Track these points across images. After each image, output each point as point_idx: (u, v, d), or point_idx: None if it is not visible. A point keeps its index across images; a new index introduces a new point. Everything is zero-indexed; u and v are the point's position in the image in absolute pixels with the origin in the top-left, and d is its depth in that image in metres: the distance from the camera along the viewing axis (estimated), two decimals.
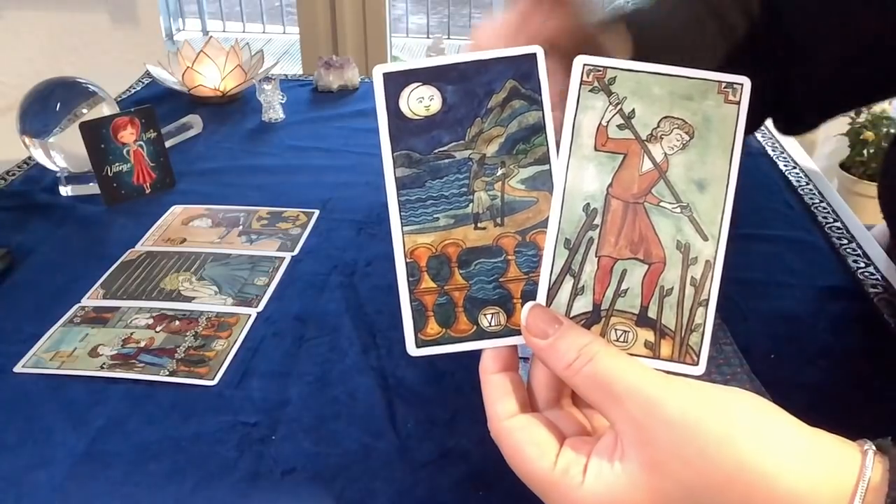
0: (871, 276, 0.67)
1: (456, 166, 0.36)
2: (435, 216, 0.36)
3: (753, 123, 0.69)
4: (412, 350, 0.36)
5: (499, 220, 0.36)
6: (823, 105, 0.65)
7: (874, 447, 0.30)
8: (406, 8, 4.50)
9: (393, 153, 0.36)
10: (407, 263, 0.36)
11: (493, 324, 0.36)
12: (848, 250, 0.71)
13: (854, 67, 0.59)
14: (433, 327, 0.36)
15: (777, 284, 0.67)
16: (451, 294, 0.36)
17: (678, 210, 0.35)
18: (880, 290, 0.65)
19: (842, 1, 0.59)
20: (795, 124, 0.70)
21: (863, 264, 0.69)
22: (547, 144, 0.36)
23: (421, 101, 0.36)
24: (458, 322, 0.36)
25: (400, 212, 0.36)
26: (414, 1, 4.62)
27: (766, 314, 0.62)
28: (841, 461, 0.29)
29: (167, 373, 0.57)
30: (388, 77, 0.36)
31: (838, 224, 0.76)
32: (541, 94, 0.36)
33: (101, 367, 0.57)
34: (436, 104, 0.36)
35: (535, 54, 0.36)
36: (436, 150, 0.36)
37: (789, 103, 0.65)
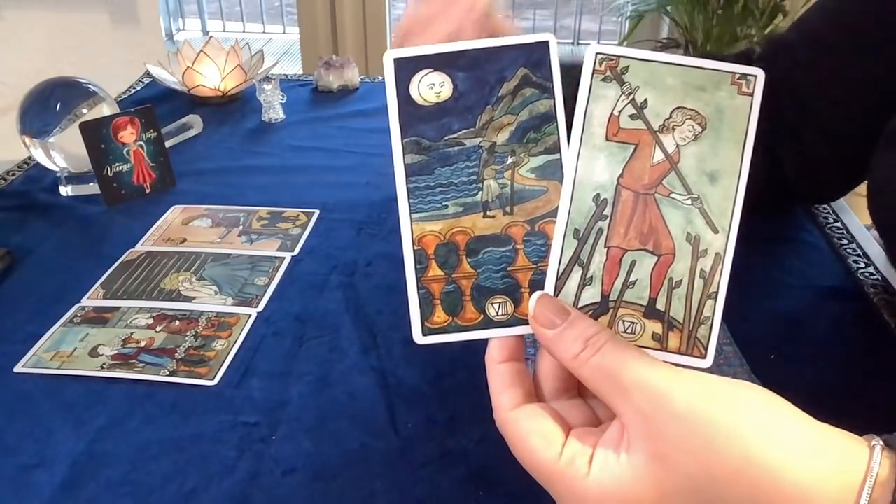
0: (871, 276, 0.67)
1: (466, 154, 0.36)
2: (444, 204, 0.36)
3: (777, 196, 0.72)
4: (418, 338, 0.36)
5: (508, 209, 0.36)
6: (850, 173, 0.67)
7: (882, 442, 0.30)
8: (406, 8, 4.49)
9: (402, 140, 0.36)
10: (415, 251, 0.36)
11: (500, 313, 0.36)
12: (848, 250, 0.71)
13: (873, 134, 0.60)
14: (440, 315, 0.36)
15: (777, 284, 0.67)
16: (459, 282, 0.36)
17: (689, 202, 0.35)
18: (880, 290, 0.65)
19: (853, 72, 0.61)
20: (824, 192, 0.72)
21: (863, 264, 0.69)
22: (558, 133, 0.36)
23: (431, 88, 0.36)
24: (466, 311, 0.36)
25: (408, 199, 0.36)
26: (414, 1, 4.62)
27: (766, 314, 0.62)
28: (848, 456, 0.29)
29: (167, 373, 0.57)
30: (398, 63, 0.36)
31: (838, 224, 0.76)
32: (552, 83, 0.36)
33: (101, 367, 0.57)
34: (446, 91, 0.36)
35: (547, 42, 0.35)
36: (446, 138, 0.36)
37: (816, 174, 0.67)
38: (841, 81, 0.64)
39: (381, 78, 1.28)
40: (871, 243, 0.73)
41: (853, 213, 0.79)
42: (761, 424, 0.30)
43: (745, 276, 0.65)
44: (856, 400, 0.53)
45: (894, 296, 0.64)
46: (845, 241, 0.73)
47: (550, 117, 0.36)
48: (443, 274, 0.36)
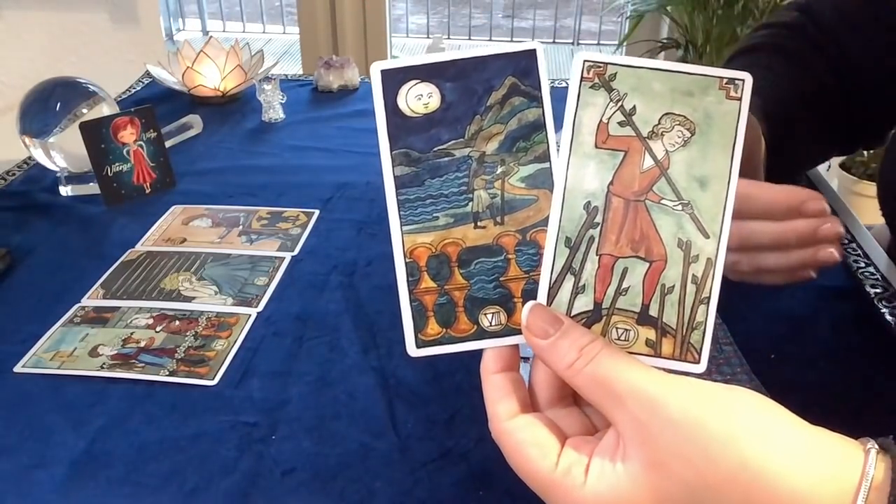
0: (871, 276, 0.67)
1: (455, 165, 0.36)
2: (434, 215, 0.36)
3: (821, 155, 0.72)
4: (412, 351, 0.36)
5: (499, 219, 0.36)
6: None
7: (877, 446, 0.30)
8: (406, 8, 4.50)
9: (391, 151, 0.36)
10: (406, 263, 0.36)
11: (493, 323, 0.36)
12: (848, 250, 0.71)
13: None
14: (433, 327, 0.36)
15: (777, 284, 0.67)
16: (452, 294, 0.36)
17: (679, 208, 0.35)
18: (880, 290, 0.65)
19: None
20: (860, 143, 0.73)
21: (863, 264, 0.69)
22: (547, 142, 0.36)
23: (419, 99, 0.36)
24: (459, 322, 0.36)
25: (399, 211, 0.36)
26: (414, 1, 4.62)
27: (766, 314, 0.62)
28: (843, 460, 0.29)
29: (167, 373, 0.57)
30: (386, 74, 0.35)
31: None
32: (540, 91, 0.35)
33: (101, 367, 0.57)
34: (434, 101, 0.36)
35: (534, 50, 0.35)
36: (435, 149, 0.36)
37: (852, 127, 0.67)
38: (885, 32, 0.64)
39: None
40: (871, 243, 0.73)
41: (853, 213, 0.79)
42: (756, 430, 0.30)
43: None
44: (856, 400, 0.53)
45: (894, 296, 0.64)
46: (845, 241, 0.73)
47: (539, 126, 0.36)
48: (435, 286, 0.36)
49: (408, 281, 0.36)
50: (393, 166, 0.36)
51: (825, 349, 0.59)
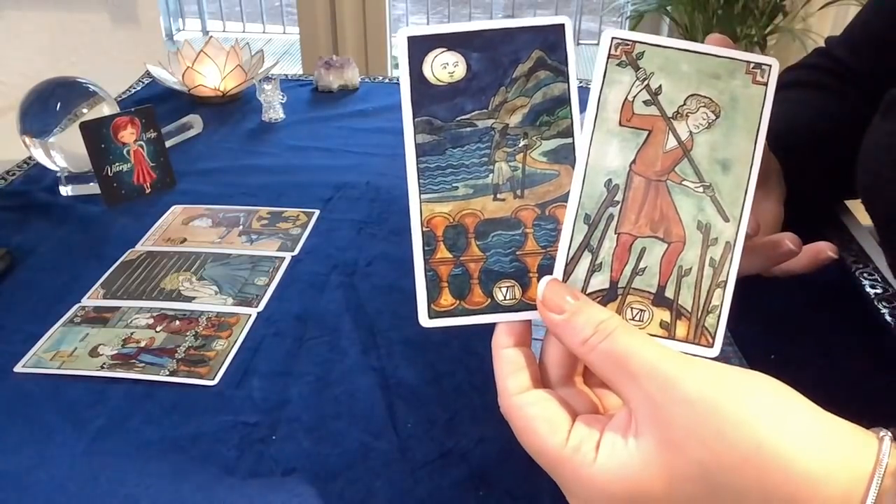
0: (871, 276, 0.67)
1: (477, 135, 0.35)
2: (454, 185, 0.35)
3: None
4: (425, 321, 0.35)
5: (519, 192, 0.36)
6: None
7: (890, 434, 0.30)
8: (406, 8, 4.49)
9: (414, 119, 0.35)
10: (423, 232, 0.35)
11: (507, 297, 0.36)
12: (848, 250, 0.71)
13: None
14: (447, 298, 0.35)
15: (777, 284, 0.67)
16: (467, 265, 0.36)
17: (700, 190, 0.35)
18: (880, 290, 0.65)
19: None
20: None
21: (863, 264, 0.69)
22: (571, 117, 0.35)
23: (445, 67, 0.35)
24: (473, 294, 0.36)
25: (419, 179, 0.35)
26: (414, 1, 4.62)
27: (766, 314, 0.62)
28: (858, 446, 0.29)
29: (167, 373, 0.57)
30: (412, 41, 0.35)
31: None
32: (567, 66, 0.35)
33: (101, 367, 0.57)
34: (460, 71, 0.35)
35: (563, 25, 0.35)
36: (458, 118, 0.35)
37: None
38: None
39: (381, 78, 1.28)
40: (871, 243, 0.73)
41: (853, 213, 0.79)
42: (771, 412, 0.30)
43: (744, 275, 0.65)
44: (856, 400, 0.52)
45: (894, 296, 0.64)
46: (845, 241, 0.73)
47: (564, 101, 0.35)
48: (451, 256, 0.36)
49: (423, 250, 0.35)
50: (415, 134, 0.35)
51: (825, 349, 0.59)
